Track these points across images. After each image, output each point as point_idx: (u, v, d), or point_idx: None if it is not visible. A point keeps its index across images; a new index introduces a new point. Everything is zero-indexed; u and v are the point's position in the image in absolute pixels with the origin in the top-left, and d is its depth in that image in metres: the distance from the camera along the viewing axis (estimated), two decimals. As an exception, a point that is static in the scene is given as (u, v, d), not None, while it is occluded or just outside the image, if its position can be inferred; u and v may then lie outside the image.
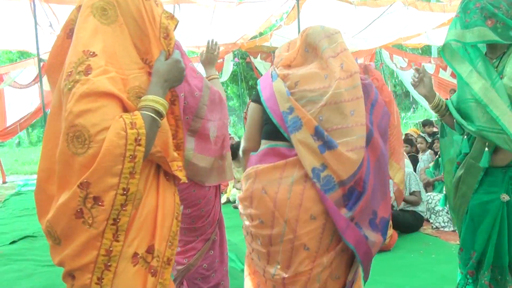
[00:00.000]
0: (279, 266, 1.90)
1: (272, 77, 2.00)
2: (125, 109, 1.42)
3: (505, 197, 2.01)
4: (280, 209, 1.84)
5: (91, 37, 1.44)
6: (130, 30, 1.51)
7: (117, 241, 1.37)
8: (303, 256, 1.85)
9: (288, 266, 1.88)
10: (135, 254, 1.41)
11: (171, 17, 1.64)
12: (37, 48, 8.02)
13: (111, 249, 1.36)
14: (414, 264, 4.08)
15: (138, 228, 1.42)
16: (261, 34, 10.00)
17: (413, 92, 14.32)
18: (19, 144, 30.69)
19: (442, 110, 2.31)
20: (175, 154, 1.60)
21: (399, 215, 5.02)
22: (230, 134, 10.21)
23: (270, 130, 1.98)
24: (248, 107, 2.03)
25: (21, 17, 7.86)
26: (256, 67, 11.22)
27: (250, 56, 11.11)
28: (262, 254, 1.94)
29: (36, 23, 7.63)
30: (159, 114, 1.46)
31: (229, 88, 18.99)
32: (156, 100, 1.46)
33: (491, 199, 2.05)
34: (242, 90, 15.97)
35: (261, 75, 10.67)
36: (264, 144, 2.00)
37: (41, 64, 8.65)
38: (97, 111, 1.35)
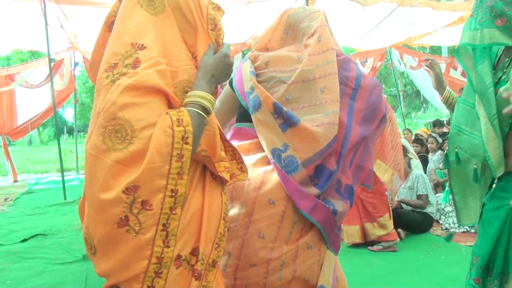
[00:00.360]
0: (229, 257, 1.78)
1: (244, 60, 1.96)
2: (170, 105, 1.35)
3: None
4: (238, 189, 1.77)
5: (140, 29, 1.37)
6: (177, 21, 1.44)
7: (168, 246, 1.28)
8: (258, 245, 1.73)
9: (239, 255, 1.76)
10: (178, 256, 1.32)
11: (218, 7, 1.56)
12: (48, 48, 8.11)
13: (162, 256, 1.27)
14: (423, 265, 4.06)
15: (182, 230, 1.32)
16: (270, 34, 9.98)
17: (424, 92, 14.26)
18: (30, 143, 30.95)
19: (452, 105, 2.28)
20: (223, 154, 1.51)
21: (409, 215, 5.00)
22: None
23: (241, 112, 1.94)
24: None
25: (32, 18, 7.93)
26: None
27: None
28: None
29: (46, 24, 7.71)
30: (206, 110, 1.38)
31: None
32: (203, 96, 1.39)
33: (501, 205, 1.97)
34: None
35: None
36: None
37: (52, 64, 8.74)
38: (143, 106, 1.27)
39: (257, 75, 1.87)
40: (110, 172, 1.23)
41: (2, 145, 11.25)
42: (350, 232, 4.72)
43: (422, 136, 8.21)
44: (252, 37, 9.68)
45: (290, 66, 1.84)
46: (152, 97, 1.29)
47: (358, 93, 1.92)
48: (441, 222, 5.31)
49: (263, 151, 1.79)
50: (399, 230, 4.88)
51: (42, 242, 5.28)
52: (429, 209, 5.09)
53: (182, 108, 1.34)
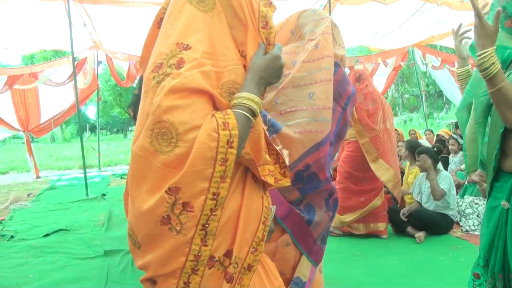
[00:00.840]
0: None
1: None
2: (216, 106, 1.33)
3: (505, 204, 1.92)
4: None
5: (187, 28, 1.35)
6: (227, 18, 1.41)
7: (206, 245, 1.29)
8: None
9: None
10: (212, 257, 1.32)
11: (270, 4, 1.51)
12: (72, 47, 8.24)
13: (199, 254, 1.28)
14: (442, 267, 4.02)
15: (218, 231, 1.32)
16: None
17: (446, 92, 14.07)
18: (53, 140, 31.46)
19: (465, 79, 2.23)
20: (267, 157, 1.47)
21: (428, 215, 4.95)
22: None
23: None
24: None
25: (56, 17, 8.07)
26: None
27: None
28: None
29: (70, 23, 7.84)
30: (253, 113, 1.34)
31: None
32: (250, 98, 1.34)
33: (496, 205, 1.97)
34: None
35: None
36: None
37: (75, 63, 8.88)
38: (187, 108, 1.25)
39: None
40: (160, 175, 1.25)
41: (25, 142, 11.48)
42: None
43: (443, 137, 8.11)
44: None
45: (284, 71, 1.88)
46: (196, 98, 1.28)
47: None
48: (461, 224, 5.24)
49: None
50: (420, 234, 4.85)
51: (64, 237, 5.39)
52: (451, 212, 5.03)
53: (229, 111, 1.31)
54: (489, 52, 1.71)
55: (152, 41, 1.46)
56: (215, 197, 1.26)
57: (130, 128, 38.27)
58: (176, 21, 1.36)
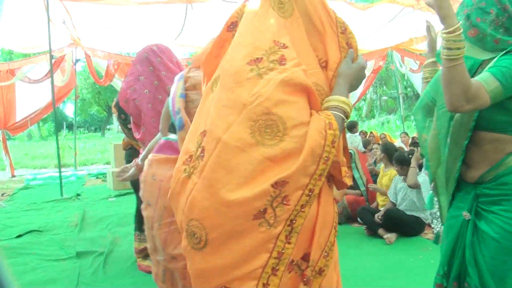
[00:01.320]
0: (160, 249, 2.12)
1: (180, 77, 2.17)
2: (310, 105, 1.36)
3: (466, 215, 1.92)
4: (163, 195, 2.04)
5: (279, 29, 1.39)
6: (304, 25, 1.45)
7: (289, 243, 1.27)
8: (179, 240, 1.88)
9: (164, 249, 2.12)
10: (291, 261, 1.32)
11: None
12: (49, 44, 8.13)
13: (283, 251, 1.26)
14: (413, 268, 4.08)
15: (301, 229, 1.32)
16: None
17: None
18: (30, 137, 30.96)
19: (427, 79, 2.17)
20: (344, 158, 1.50)
21: (400, 215, 5.03)
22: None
23: (171, 124, 2.20)
24: None
25: (35, 14, 7.95)
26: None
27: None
28: (148, 237, 2.17)
29: (49, 19, 7.74)
30: (346, 116, 1.41)
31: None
32: (346, 102, 1.41)
33: (457, 215, 1.97)
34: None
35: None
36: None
37: (53, 60, 8.76)
38: (294, 104, 1.28)
39: (186, 95, 2.10)
40: (260, 167, 1.25)
41: (1, 140, 11.28)
42: None
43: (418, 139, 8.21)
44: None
45: None
46: (300, 95, 1.31)
47: None
48: (433, 226, 5.31)
49: None
50: (389, 235, 4.91)
51: (37, 238, 5.33)
52: (422, 214, 5.11)
53: (328, 112, 1.36)
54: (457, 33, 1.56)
55: (222, 42, 1.53)
56: (310, 193, 1.28)
57: (108, 127, 37.87)
58: (265, 20, 1.40)
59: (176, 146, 2.16)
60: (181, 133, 2.04)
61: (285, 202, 1.24)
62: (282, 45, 1.35)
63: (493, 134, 1.82)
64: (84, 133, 36.20)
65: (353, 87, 1.50)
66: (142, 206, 2.27)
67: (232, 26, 1.50)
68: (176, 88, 2.16)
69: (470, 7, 1.86)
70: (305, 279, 1.35)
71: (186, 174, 1.38)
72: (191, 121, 1.95)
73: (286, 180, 1.23)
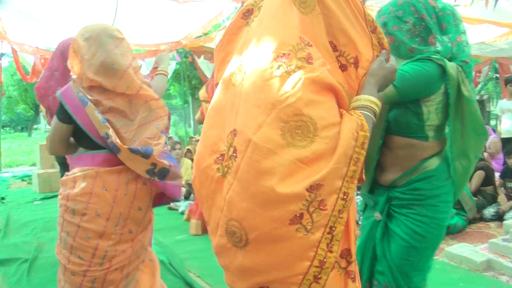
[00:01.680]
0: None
1: (81, 101, 2.18)
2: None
3: (377, 216, 1.98)
4: (118, 203, 2.21)
5: (302, 25, 1.35)
6: (327, 19, 1.42)
7: (331, 251, 1.24)
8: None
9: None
10: None
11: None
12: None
13: (325, 260, 1.23)
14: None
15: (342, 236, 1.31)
16: (205, 34, 9.89)
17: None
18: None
19: None
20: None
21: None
22: (169, 134, 10.10)
23: (89, 143, 2.25)
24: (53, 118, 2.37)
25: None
26: (199, 67, 11.12)
27: (194, 56, 11.00)
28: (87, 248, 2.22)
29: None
30: (375, 115, 1.39)
31: (172, 86, 18.78)
32: (375, 102, 1.38)
33: (370, 215, 2.03)
34: (185, 89, 15.87)
35: (205, 75, 10.64)
36: (85, 151, 2.32)
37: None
38: (323, 104, 1.25)
39: (108, 120, 2.20)
40: (290, 169, 1.22)
41: None
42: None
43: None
44: (187, 36, 9.60)
45: (129, 114, 2.28)
46: (329, 95, 1.29)
47: None
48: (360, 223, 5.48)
49: (131, 173, 2.26)
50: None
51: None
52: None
53: (359, 112, 1.33)
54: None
55: (235, 29, 1.51)
56: (345, 197, 1.24)
57: (35, 126, 36.17)
58: (290, 14, 1.36)
59: (84, 158, 2.29)
60: (121, 154, 2.18)
61: (321, 207, 1.22)
62: (307, 43, 1.33)
63: (406, 139, 1.89)
64: (10, 133, 34.33)
65: (381, 88, 1.48)
66: (84, 218, 2.20)
67: (247, 14, 1.48)
68: (89, 115, 2.17)
69: (387, 15, 1.94)
70: (352, 276, 1.36)
71: (221, 173, 1.37)
72: (123, 143, 2.18)
73: (321, 183, 1.21)
